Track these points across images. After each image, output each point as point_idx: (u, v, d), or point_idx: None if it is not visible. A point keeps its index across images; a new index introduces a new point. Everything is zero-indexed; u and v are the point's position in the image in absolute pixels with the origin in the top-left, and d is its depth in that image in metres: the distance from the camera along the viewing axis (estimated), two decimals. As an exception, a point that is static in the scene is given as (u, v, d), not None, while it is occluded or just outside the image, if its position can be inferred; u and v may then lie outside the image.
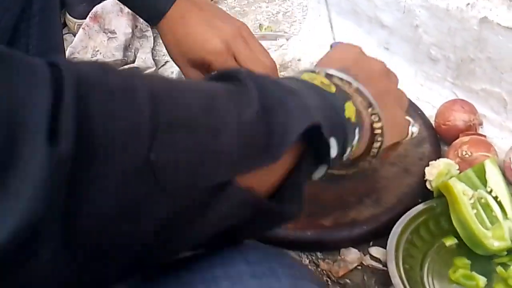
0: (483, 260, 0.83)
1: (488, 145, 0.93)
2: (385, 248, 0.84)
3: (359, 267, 0.85)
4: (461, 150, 0.91)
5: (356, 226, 0.86)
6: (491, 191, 0.85)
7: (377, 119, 0.61)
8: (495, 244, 0.81)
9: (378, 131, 0.62)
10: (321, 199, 0.90)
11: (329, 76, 0.59)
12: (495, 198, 0.85)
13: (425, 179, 0.88)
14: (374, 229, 0.87)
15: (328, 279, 0.85)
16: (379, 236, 0.87)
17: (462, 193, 0.84)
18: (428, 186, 0.88)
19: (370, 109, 0.61)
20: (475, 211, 0.83)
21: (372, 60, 0.69)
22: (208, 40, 0.86)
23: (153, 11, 0.88)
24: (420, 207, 0.87)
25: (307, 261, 0.87)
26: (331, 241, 0.87)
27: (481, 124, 0.99)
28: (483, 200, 0.84)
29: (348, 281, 0.84)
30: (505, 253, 0.83)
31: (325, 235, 0.86)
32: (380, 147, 0.63)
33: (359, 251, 0.87)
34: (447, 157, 0.93)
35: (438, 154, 0.95)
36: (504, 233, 0.82)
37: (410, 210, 0.86)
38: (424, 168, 0.91)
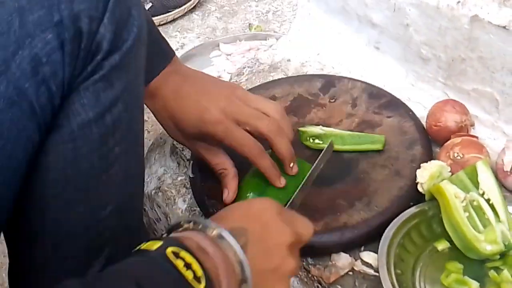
0: (475, 264, 0.81)
1: (480, 146, 0.92)
2: (377, 253, 0.83)
3: (350, 273, 0.84)
4: (452, 152, 0.90)
5: (347, 230, 0.85)
6: (483, 193, 0.84)
7: None
8: (487, 248, 0.80)
9: None
10: (312, 203, 0.88)
11: (220, 237, 0.57)
12: (488, 200, 0.83)
13: (416, 181, 0.87)
14: (365, 233, 0.85)
15: (319, 285, 0.83)
16: (371, 240, 0.86)
17: (454, 196, 0.82)
18: (420, 189, 0.86)
19: (243, 285, 0.58)
20: (467, 214, 0.82)
21: (280, 228, 0.64)
22: (203, 111, 0.83)
23: None
24: (411, 210, 0.86)
25: (297, 267, 0.86)
26: (321, 246, 0.85)
27: (473, 125, 0.98)
28: (475, 203, 0.83)
29: (339, 287, 0.83)
30: (498, 257, 0.81)
31: (315, 240, 0.85)
32: None
33: (350, 256, 0.85)
34: (439, 159, 0.92)
35: (429, 156, 0.94)
36: (496, 237, 0.80)
37: (402, 214, 0.85)
38: (416, 171, 0.90)
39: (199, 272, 0.53)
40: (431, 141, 0.97)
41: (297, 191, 0.83)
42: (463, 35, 0.96)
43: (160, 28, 1.75)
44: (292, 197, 0.82)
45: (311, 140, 0.98)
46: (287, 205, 0.80)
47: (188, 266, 0.53)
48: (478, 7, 0.93)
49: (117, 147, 0.65)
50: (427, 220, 0.85)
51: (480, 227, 0.82)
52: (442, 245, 0.84)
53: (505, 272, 0.79)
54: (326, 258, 0.85)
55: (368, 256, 0.85)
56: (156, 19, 1.76)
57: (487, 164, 0.85)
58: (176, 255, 0.53)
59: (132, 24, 0.61)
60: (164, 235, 0.60)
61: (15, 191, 0.60)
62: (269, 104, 0.87)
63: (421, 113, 1.02)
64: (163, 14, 1.75)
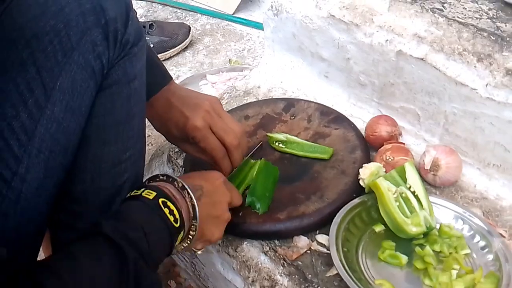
0: (405, 242, 0.81)
1: (406, 150, 0.92)
2: (329, 236, 0.82)
3: (308, 252, 0.83)
4: (385, 155, 0.90)
5: (305, 218, 0.84)
6: (410, 187, 0.83)
7: (194, 229, 0.72)
8: (413, 229, 0.80)
9: (191, 236, 0.73)
10: (277, 197, 0.88)
11: (183, 188, 0.71)
12: (413, 192, 0.83)
13: (359, 178, 0.86)
14: (320, 220, 0.85)
15: (284, 262, 0.82)
16: (324, 225, 0.85)
17: (387, 190, 0.82)
18: (362, 184, 0.86)
19: (193, 221, 0.72)
20: (397, 203, 0.82)
21: (225, 191, 0.79)
22: (186, 120, 0.85)
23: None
24: (355, 201, 0.85)
25: (267, 248, 0.85)
26: (285, 230, 0.84)
27: (400, 134, 0.98)
28: (403, 195, 0.83)
29: (300, 263, 0.82)
30: (422, 236, 0.81)
31: (280, 226, 0.84)
32: (189, 244, 0.74)
33: (308, 238, 0.84)
34: (375, 161, 0.92)
35: (367, 159, 0.93)
36: (420, 221, 0.80)
37: (347, 204, 0.84)
38: (358, 170, 0.89)
39: (177, 216, 0.68)
40: (369, 147, 0.97)
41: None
42: (391, 66, 0.96)
43: (160, 64, 1.75)
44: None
45: (277, 144, 0.98)
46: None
47: (171, 212, 0.67)
48: (402, 44, 0.93)
49: (135, 107, 0.71)
50: (366, 209, 0.85)
51: (408, 213, 0.82)
52: (378, 228, 0.83)
53: (427, 248, 0.80)
54: (289, 240, 0.85)
55: (322, 238, 0.84)
56: (157, 57, 1.75)
57: (412, 165, 0.85)
58: (164, 204, 0.67)
59: (142, 34, 0.71)
60: (146, 183, 0.74)
61: (81, 130, 0.67)
62: (236, 124, 0.89)
63: (361, 126, 1.01)
64: (162, 52, 1.74)
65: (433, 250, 0.79)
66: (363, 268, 0.77)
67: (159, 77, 0.86)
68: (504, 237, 0.81)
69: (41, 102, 0.61)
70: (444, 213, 0.84)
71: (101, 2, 0.63)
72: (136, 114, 0.72)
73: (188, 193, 0.71)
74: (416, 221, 0.80)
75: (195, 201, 0.71)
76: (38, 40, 0.60)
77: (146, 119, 0.84)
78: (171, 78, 0.88)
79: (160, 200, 0.67)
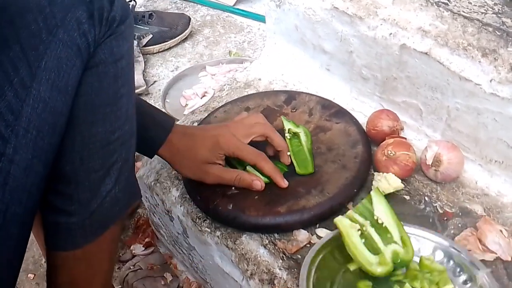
0: (382, 279, 0.72)
1: (408, 145, 0.91)
2: (329, 230, 0.82)
3: (308, 245, 0.82)
4: (387, 150, 0.89)
5: (306, 212, 0.84)
6: (377, 218, 0.76)
7: None
8: (378, 270, 0.72)
9: None
10: (278, 191, 0.87)
11: None
12: (381, 224, 0.75)
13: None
14: (320, 214, 0.84)
15: (284, 255, 0.82)
16: (324, 219, 0.85)
17: (350, 228, 0.75)
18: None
19: None
20: (363, 240, 0.74)
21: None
22: (217, 137, 0.87)
23: (150, 144, 0.88)
24: (324, 239, 0.77)
25: (266, 241, 0.84)
26: (285, 224, 0.84)
27: (402, 129, 0.97)
28: (366, 232, 0.75)
29: (299, 256, 0.81)
30: (402, 271, 0.73)
31: (280, 220, 0.84)
32: None
33: (308, 232, 0.84)
34: (376, 156, 0.91)
35: (369, 153, 0.93)
36: (385, 259, 0.72)
37: (316, 243, 0.78)
38: (359, 164, 0.89)
39: None
40: (370, 141, 0.96)
41: None
42: (394, 59, 0.95)
43: (158, 54, 1.74)
44: None
45: (286, 131, 0.95)
46: None
47: None
48: (406, 37, 0.92)
49: (122, 88, 0.70)
50: (339, 246, 0.76)
51: (381, 245, 0.74)
52: (353, 266, 0.75)
53: (407, 285, 0.71)
54: (289, 234, 0.84)
55: (321, 231, 0.84)
56: (156, 47, 1.74)
57: (379, 193, 0.78)
58: None
59: (129, 13, 0.69)
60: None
61: (69, 110, 0.66)
62: (254, 115, 0.92)
63: (362, 120, 1.01)
64: (161, 43, 1.73)
65: (413, 287, 0.71)
66: None
67: (166, 117, 0.90)
68: (489, 269, 0.74)
69: (27, 81, 0.60)
70: (423, 244, 0.77)
71: None
72: (124, 94, 0.71)
73: None
74: (382, 259, 0.72)
75: None
76: (22, 18, 0.59)
77: (164, 161, 0.89)
78: (174, 121, 0.91)
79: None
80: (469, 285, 0.73)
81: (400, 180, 0.87)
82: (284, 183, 0.87)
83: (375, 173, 0.89)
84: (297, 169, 0.90)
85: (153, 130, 0.87)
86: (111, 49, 0.67)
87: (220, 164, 0.88)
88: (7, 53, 0.59)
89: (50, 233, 0.74)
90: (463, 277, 0.74)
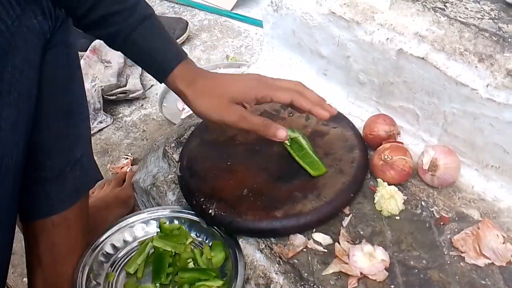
0: None
1: (404, 150, 0.91)
2: (325, 234, 0.82)
3: (305, 250, 0.82)
4: (383, 155, 0.89)
5: (302, 216, 0.83)
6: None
7: None
8: None
9: None
10: (274, 195, 0.87)
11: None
12: None
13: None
14: (316, 218, 0.84)
15: (280, 260, 0.82)
16: (320, 224, 0.84)
17: None
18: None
19: None
20: None
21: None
22: (244, 77, 0.89)
23: (161, 68, 0.80)
24: None
25: (263, 246, 0.84)
26: (282, 228, 0.84)
27: (399, 133, 0.97)
28: None
29: (296, 261, 0.81)
30: None
31: (277, 224, 0.83)
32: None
33: (304, 236, 0.84)
34: (373, 160, 0.91)
35: (366, 158, 0.93)
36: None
37: None
38: (356, 169, 0.89)
39: None
40: (367, 146, 0.96)
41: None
42: (391, 64, 0.95)
43: (156, 58, 1.73)
44: None
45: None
46: None
47: None
48: (402, 42, 0.92)
49: (76, 70, 0.88)
50: None
51: None
52: None
53: None
54: (286, 238, 0.84)
55: (318, 236, 0.83)
56: (154, 51, 1.73)
57: None
58: None
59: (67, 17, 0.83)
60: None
61: (37, 82, 0.78)
62: (293, 82, 0.86)
63: (359, 125, 1.01)
64: (159, 47, 1.73)
65: None
66: None
67: (176, 49, 0.83)
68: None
69: (4, 52, 0.72)
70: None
71: None
72: (78, 77, 0.87)
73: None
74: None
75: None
76: None
77: (182, 102, 0.81)
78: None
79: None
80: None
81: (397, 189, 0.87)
82: (333, 110, 0.84)
83: (378, 189, 0.88)
84: (311, 172, 0.89)
85: (169, 52, 0.80)
86: (62, 37, 0.81)
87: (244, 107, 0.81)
88: None
89: (28, 204, 0.83)
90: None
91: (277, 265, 0.81)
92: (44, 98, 0.80)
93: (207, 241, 0.89)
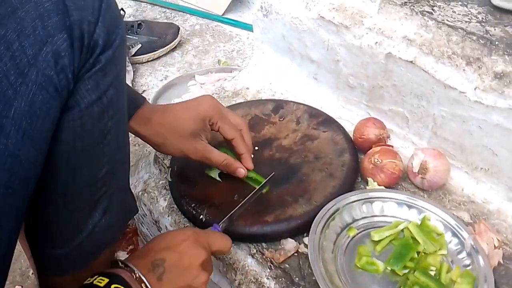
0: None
1: (394, 153, 0.91)
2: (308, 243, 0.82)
3: (296, 254, 0.82)
4: (374, 158, 0.90)
5: (293, 221, 0.83)
6: None
7: None
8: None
9: None
10: (265, 199, 0.87)
11: (140, 280, 0.62)
12: None
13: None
14: (307, 222, 0.83)
15: (271, 265, 0.81)
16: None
17: None
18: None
19: None
20: None
21: (194, 252, 0.68)
22: (198, 105, 0.84)
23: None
24: (329, 205, 0.84)
25: (254, 251, 0.84)
26: (273, 233, 0.83)
27: (389, 137, 0.98)
28: None
29: (287, 265, 0.81)
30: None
31: (268, 229, 0.83)
32: None
33: (295, 241, 0.84)
34: (363, 164, 0.91)
35: (356, 162, 0.93)
36: None
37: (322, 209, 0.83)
38: (346, 173, 0.89)
39: None
40: (357, 150, 0.96)
41: (236, 208, 0.80)
42: (380, 68, 0.96)
43: (148, 64, 1.74)
44: (230, 213, 0.79)
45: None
46: (223, 219, 0.78)
47: None
48: (391, 46, 0.92)
49: (110, 122, 0.63)
50: (340, 213, 0.84)
51: None
52: (352, 233, 0.83)
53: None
54: (277, 243, 0.84)
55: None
56: (145, 57, 1.73)
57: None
58: None
59: (118, 28, 0.60)
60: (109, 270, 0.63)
61: (44, 158, 0.59)
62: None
63: (349, 128, 1.01)
64: (150, 52, 1.73)
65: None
66: (341, 276, 0.76)
67: (137, 94, 0.85)
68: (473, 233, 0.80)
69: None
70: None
71: None
72: (112, 127, 0.63)
73: (145, 284, 0.62)
74: None
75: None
76: None
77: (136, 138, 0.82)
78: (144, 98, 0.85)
79: (113, 286, 0.59)
80: (458, 248, 0.79)
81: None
82: (250, 165, 0.88)
83: None
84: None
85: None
86: (95, 82, 0.58)
87: (204, 141, 0.85)
88: None
89: (38, 260, 0.72)
90: (454, 241, 0.80)
91: (268, 270, 0.81)
92: (59, 173, 0.62)
93: (461, 266, 0.78)
